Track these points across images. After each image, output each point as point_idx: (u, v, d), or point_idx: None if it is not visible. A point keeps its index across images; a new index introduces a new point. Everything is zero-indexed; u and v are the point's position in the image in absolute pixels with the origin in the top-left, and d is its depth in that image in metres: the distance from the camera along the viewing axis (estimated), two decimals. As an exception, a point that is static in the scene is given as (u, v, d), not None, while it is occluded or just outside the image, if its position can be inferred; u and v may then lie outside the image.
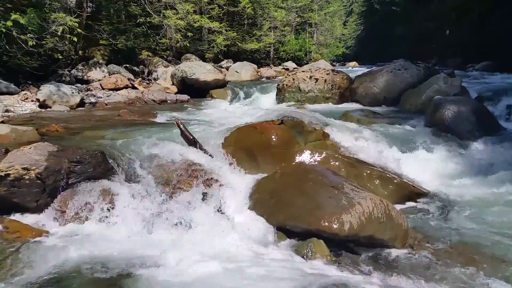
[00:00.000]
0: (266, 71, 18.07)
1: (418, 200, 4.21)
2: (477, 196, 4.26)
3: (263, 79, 16.08)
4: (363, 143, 5.10)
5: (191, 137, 4.44)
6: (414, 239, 3.28)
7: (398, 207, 3.87)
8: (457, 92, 7.80)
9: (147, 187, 3.72)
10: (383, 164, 4.64)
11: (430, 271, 2.85)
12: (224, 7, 20.61)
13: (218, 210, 3.60)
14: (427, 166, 4.93)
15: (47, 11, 9.73)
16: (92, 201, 3.44)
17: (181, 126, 4.49)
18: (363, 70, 14.82)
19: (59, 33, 9.54)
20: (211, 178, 3.96)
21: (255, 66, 17.24)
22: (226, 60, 20.08)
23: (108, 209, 3.42)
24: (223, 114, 7.92)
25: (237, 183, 4.06)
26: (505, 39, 16.39)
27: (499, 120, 6.78)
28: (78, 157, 3.68)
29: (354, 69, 19.99)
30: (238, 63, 16.66)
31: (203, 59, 18.64)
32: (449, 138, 5.71)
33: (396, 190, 4.22)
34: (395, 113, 7.72)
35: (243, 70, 15.30)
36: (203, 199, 3.61)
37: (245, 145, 4.57)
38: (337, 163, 4.45)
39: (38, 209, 3.44)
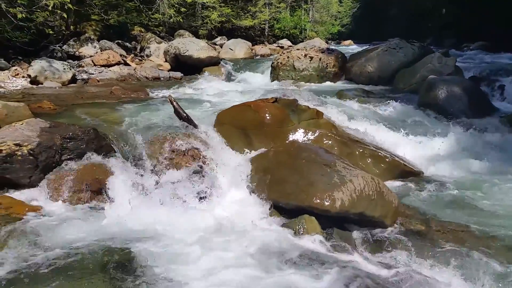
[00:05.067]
0: (260, 49, 17.86)
1: (409, 179, 4.26)
2: (468, 176, 4.31)
3: (258, 56, 15.93)
4: (356, 122, 5.12)
5: (184, 115, 4.42)
6: (404, 217, 3.33)
7: (390, 185, 3.91)
8: (451, 71, 7.81)
9: (141, 165, 3.73)
10: (375, 142, 4.67)
11: (419, 248, 2.90)
12: (218, -18, 20.23)
13: (211, 188, 3.62)
14: (419, 145, 4.97)
15: (36, -17, 9.47)
16: (85, 178, 3.44)
17: (174, 103, 4.46)
18: (358, 48, 14.77)
19: (49, 8, 9.33)
20: (205, 156, 3.97)
21: (250, 43, 17.02)
22: (220, 37, 19.80)
23: (101, 186, 3.43)
24: (216, 91, 7.87)
25: (231, 161, 4.07)
26: (500, 19, 16.31)
27: (491, 100, 6.82)
28: (70, 134, 3.67)
29: (349, 48, 19.88)
30: (232, 40, 16.45)
31: (197, 35, 18.37)
32: (442, 118, 5.75)
33: (387, 169, 4.26)
34: (389, 92, 7.73)
35: (237, 48, 15.13)
36: (197, 177, 3.62)
37: (238, 123, 4.56)
38: (330, 142, 4.46)
39: (31, 185, 3.44)
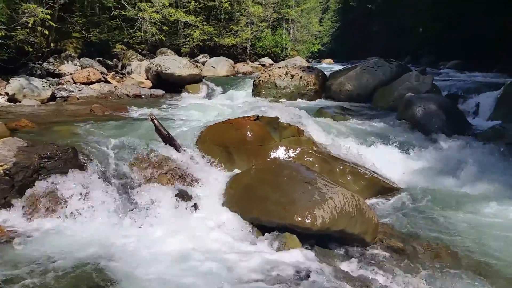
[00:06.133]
0: (242, 67, 18.04)
1: (388, 195, 4.31)
2: (445, 192, 4.38)
3: (240, 74, 16.06)
4: (336, 139, 5.19)
5: (166, 133, 4.41)
6: (384, 233, 3.37)
7: (369, 202, 3.97)
8: (428, 89, 8.00)
9: (118, 184, 3.68)
10: (355, 159, 4.73)
11: (399, 265, 2.93)
12: (201, 1, 20.47)
13: (192, 207, 3.59)
14: (398, 162, 5.06)
15: (17, 1, 9.41)
16: (62, 197, 3.38)
17: (156, 121, 4.45)
18: (338, 67, 15.03)
19: (30, 25, 9.26)
20: (185, 175, 3.95)
21: (232, 61, 17.17)
22: (202, 55, 19.95)
23: (78, 205, 3.36)
24: (198, 109, 7.87)
25: (212, 179, 4.06)
26: (476, 39, 16.88)
27: (467, 117, 7.01)
28: (48, 153, 3.61)
29: (329, 66, 20.23)
30: (214, 58, 16.56)
31: (179, 53, 18.43)
32: (419, 135, 5.87)
33: (367, 185, 4.31)
34: (367, 110, 7.87)
35: (219, 65, 15.23)
36: (176, 196, 3.59)
37: (220, 141, 4.58)
38: (311, 159, 4.51)
39: (6, 206, 3.35)
